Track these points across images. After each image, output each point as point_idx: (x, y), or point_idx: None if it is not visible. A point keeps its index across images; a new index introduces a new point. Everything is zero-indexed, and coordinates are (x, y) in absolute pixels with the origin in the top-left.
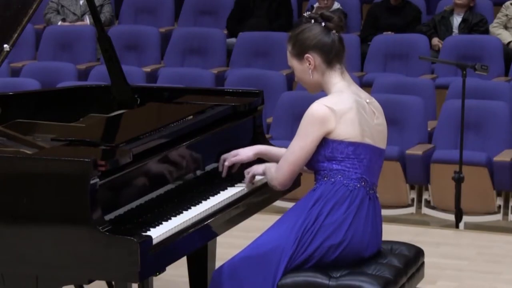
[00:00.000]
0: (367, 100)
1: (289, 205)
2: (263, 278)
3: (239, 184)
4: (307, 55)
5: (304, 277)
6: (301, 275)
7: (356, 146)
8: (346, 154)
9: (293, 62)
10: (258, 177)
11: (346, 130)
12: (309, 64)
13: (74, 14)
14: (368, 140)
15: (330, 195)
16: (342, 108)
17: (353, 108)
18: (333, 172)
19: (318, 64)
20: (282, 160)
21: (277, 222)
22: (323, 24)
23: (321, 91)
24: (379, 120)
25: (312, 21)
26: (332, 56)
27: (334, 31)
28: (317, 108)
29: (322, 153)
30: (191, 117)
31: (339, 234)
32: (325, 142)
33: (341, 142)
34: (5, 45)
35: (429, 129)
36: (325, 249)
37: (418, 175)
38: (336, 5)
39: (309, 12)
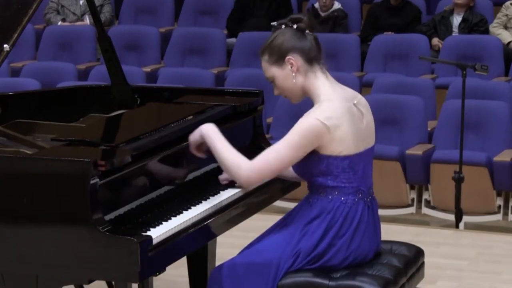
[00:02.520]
0: (355, 101)
1: (289, 205)
2: (262, 284)
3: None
4: (288, 57)
5: (304, 277)
6: (300, 276)
7: (351, 159)
8: (342, 168)
9: (273, 71)
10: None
11: (340, 145)
12: (292, 66)
13: (74, 14)
14: (361, 148)
15: (329, 216)
16: (335, 123)
17: (345, 119)
18: (328, 188)
19: (301, 65)
20: (264, 164)
21: (276, 229)
22: (294, 26)
23: (305, 98)
24: (367, 118)
25: (283, 26)
26: (312, 55)
27: (307, 31)
28: (313, 122)
29: (317, 168)
30: (191, 117)
31: (341, 253)
32: (318, 157)
33: (336, 157)
34: (5, 45)
35: (429, 129)
36: (327, 268)
37: (418, 175)
38: (337, 5)
39: (278, 21)
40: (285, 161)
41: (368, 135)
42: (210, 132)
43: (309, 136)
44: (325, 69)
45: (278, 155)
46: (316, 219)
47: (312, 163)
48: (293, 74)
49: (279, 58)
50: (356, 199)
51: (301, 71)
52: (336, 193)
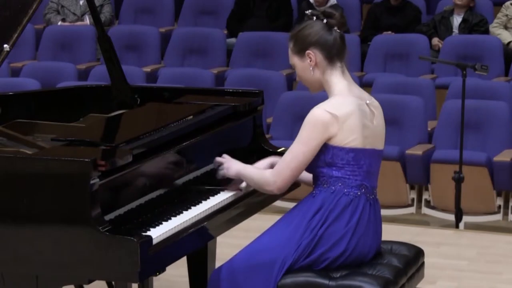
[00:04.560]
0: (368, 101)
1: (289, 205)
2: (262, 284)
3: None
4: (308, 51)
5: (304, 277)
6: (301, 275)
7: (356, 152)
8: (347, 161)
9: (294, 60)
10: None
11: (348, 136)
12: (310, 61)
13: (74, 14)
14: (368, 146)
15: (331, 205)
16: (343, 114)
17: (355, 113)
18: (332, 179)
19: (320, 61)
20: (283, 165)
21: (277, 226)
22: (325, 21)
23: (323, 91)
24: (377, 120)
25: (314, 18)
26: (333, 53)
27: (335, 28)
28: (320, 113)
29: (322, 158)
30: (191, 117)
31: (341, 245)
32: (325, 147)
33: (342, 148)
34: (5, 45)
35: (429, 129)
36: (326, 261)
37: (418, 175)
38: (333, 0)
39: (311, 10)
40: (300, 157)
41: (376, 136)
42: (240, 170)
43: (317, 126)
44: (346, 68)
45: (292, 153)
46: (317, 212)
47: (318, 154)
48: (311, 68)
49: (301, 49)
50: (359, 193)
51: (320, 66)
52: (340, 184)
